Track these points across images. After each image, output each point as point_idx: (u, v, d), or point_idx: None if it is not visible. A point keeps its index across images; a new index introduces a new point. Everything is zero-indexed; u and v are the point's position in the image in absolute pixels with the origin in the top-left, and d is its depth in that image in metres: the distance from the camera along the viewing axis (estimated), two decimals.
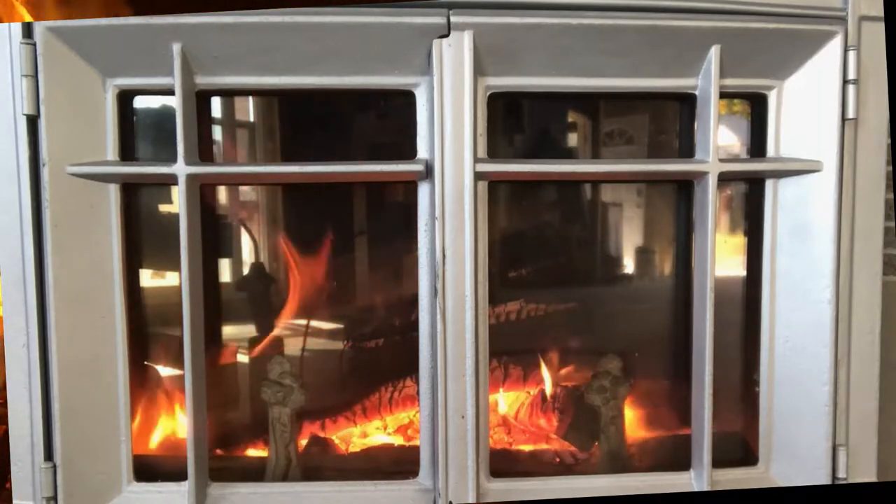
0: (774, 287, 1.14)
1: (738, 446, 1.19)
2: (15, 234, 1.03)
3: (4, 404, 1.05)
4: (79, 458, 1.06)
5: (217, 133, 1.16)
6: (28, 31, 1.00)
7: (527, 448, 1.21)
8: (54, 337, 1.03)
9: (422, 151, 1.08)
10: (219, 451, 1.17)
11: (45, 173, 1.02)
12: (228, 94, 1.15)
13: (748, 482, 1.14)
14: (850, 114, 1.06)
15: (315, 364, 1.22)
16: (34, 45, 1.00)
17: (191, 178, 1.04)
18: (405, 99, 1.08)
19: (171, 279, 1.13)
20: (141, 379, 1.14)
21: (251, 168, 1.13)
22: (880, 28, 1.06)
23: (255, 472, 1.15)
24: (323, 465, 1.18)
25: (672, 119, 1.17)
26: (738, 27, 1.03)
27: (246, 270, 1.22)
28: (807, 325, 1.11)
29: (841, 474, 1.10)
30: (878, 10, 1.06)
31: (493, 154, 1.09)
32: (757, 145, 1.14)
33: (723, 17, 1.03)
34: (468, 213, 1.04)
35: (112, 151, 1.07)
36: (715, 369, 1.08)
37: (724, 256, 1.16)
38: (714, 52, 1.05)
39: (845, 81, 1.06)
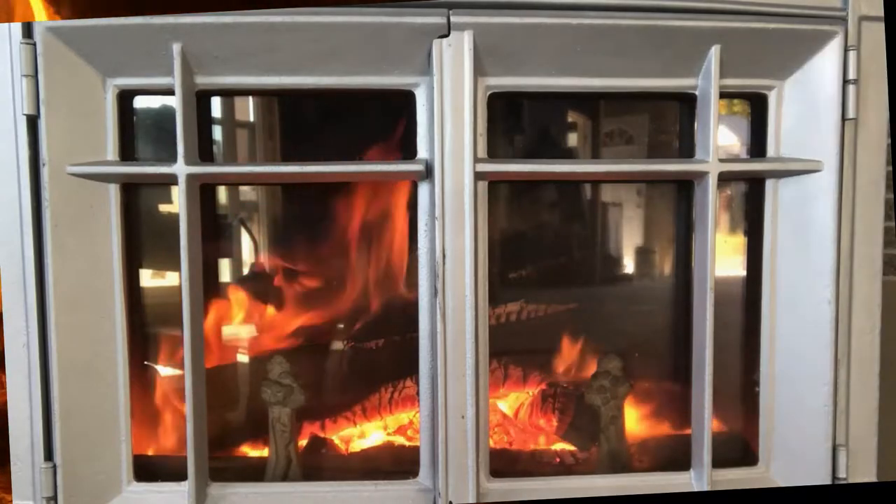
0: (774, 287, 1.14)
1: (738, 446, 1.19)
2: (15, 234, 1.03)
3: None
4: (79, 458, 1.06)
5: (217, 133, 1.16)
6: (28, 31, 1.00)
7: (527, 448, 1.21)
8: (54, 337, 1.03)
9: (422, 151, 1.08)
10: (219, 452, 1.17)
11: (45, 173, 1.02)
12: (228, 94, 1.15)
13: (748, 482, 1.14)
14: (850, 114, 1.06)
15: (315, 364, 1.22)
16: (34, 45, 1.00)
17: (191, 178, 1.04)
18: (405, 99, 1.08)
19: (171, 279, 1.13)
20: (141, 379, 1.14)
21: (251, 168, 1.13)
22: (880, 28, 1.06)
23: (255, 472, 1.15)
24: (323, 465, 1.18)
25: (672, 119, 1.17)
26: (738, 27, 1.03)
27: (246, 270, 1.22)
28: (807, 325, 1.11)
29: (841, 474, 1.10)
30: (878, 10, 1.06)
31: (493, 154, 1.09)
32: (757, 145, 1.14)
33: (723, 17, 1.03)
34: (468, 213, 1.04)
35: (112, 151, 1.07)
36: (715, 369, 1.08)
37: (724, 256, 1.16)
38: (714, 52, 1.05)
39: (845, 81, 1.06)
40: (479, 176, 1.05)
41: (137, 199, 1.11)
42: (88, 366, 1.06)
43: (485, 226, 1.08)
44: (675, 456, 1.15)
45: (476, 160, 1.04)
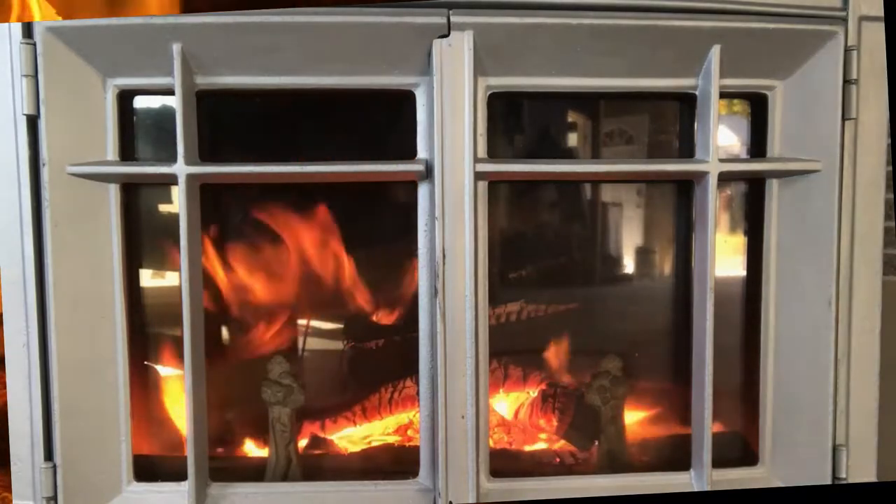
0: (774, 287, 1.14)
1: (738, 446, 1.19)
2: (15, 234, 1.03)
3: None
4: (79, 458, 1.06)
5: (217, 133, 1.16)
6: (28, 31, 1.00)
7: (527, 448, 1.21)
8: (54, 337, 1.03)
9: (422, 151, 1.08)
10: (219, 451, 1.17)
11: (45, 173, 1.02)
12: (228, 94, 1.15)
13: (748, 482, 1.14)
14: (851, 114, 1.06)
15: (315, 364, 1.22)
16: (34, 45, 1.00)
17: (191, 178, 1.04)
18: (405, 99, 1.08)
19: (171, 279, 1.13)
20: (141, 379, 1.14)
21: (251, 168, 1.13)
22: (880, 28, 1.06)
23: (255, 472, 1.15)
24: (323, 465, 1.18)
25: (672, 119, 1.17)
26: (738, 27, 1.03)
27: None
28: (807, 324, 1.11)
29: (841, 474, 1.10)
30: (878, 10, 1.06)
31: (493, 154, 1.09)
32: (757, 145, 1.14)
33: (723, 17, 1.03)
34: (468, 213, 1.04)
35: (112, 151, 1.07)
36: (715, 369, 1.08)
37: (724, 256, 1.16)
38: (714, 52, 1.05)
39: (845, 81, 1.06)
40: (479, 176, 1.05)
41: (137, 199, 1.11)
42: (88, 366, 1.06)
43: (485, 226, 1.08)
44: (675, 456, 1.15)
45: (476, 160, 1.04)
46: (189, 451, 1.05)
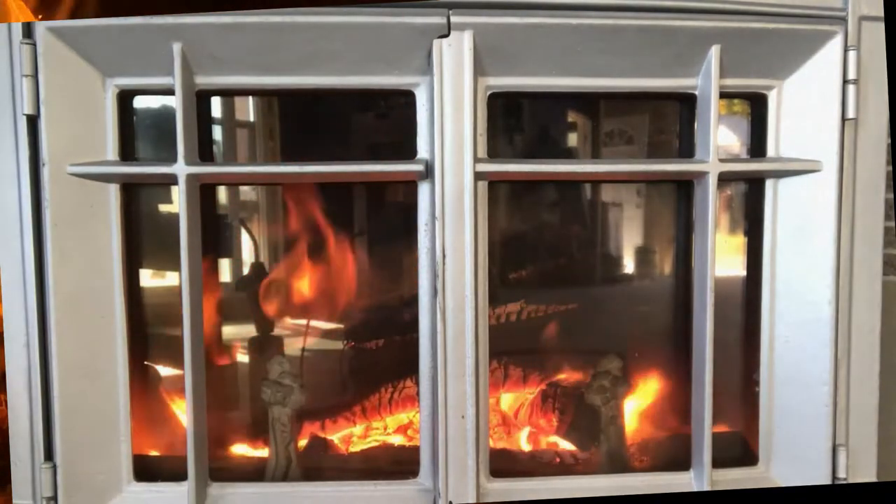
0: (774, 287, 1.14)
1: (738, 446, 1.19)
2: (15, 234, 1.03)
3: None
4: (79, 458, 1.06)
5: (217, 133, 1.16)
6: (28, 31, 1.00)
7: (527, 448, 1.22)
8: (54, 337, 1.03)
9: (422, 151, 1.08)
10: (219, 452, 1.17)
11: (45, 173, 1.02)
12: (228, 94, 1.15)
13: (748, 482, 1.14)
14: (850, 114, 1.06)
15: (315, 364, 1.22)
16: (34, 45, 1.00)
17: (191, 178, 1.04)
18: (405, 99, 1.08)
19: (171, 279, 1.13)
20: (141, 379, 1.14)
21: (251, 168, 1.13)
22: (880, 28, 1.06)
23: (255, 472, 1.15)
24: (323, 465, 1.18)
25: (672, 119, 1.17)
26: (738, 27, 1.03)
27: (246, 270, 1.22)
28: (807, 325, 1.11)
29: (841, 474, 1.10)
30: (878, 10, 1.06)
31: (493, 154, 1.09)
32: (757, 145, 1.14)
33: (723, 17, 1.03)
34: (468, 213, 1.04)
35: (112, 151, 1.07)
36: (715, 369, 1.08)
37: (724, 256, 1.16)
38: (714, 52, 1.05)
39: (845, 81, 1.06)
40: (479, 176, 1.05)
41: (137, 199, 1.11)
42: (88, 366, 1.06)
43: (485, 226, 1.08)
44: (675, 456, 1.15)
45: (476, 160, 1.04)
46: (189, 451, 1.05)
